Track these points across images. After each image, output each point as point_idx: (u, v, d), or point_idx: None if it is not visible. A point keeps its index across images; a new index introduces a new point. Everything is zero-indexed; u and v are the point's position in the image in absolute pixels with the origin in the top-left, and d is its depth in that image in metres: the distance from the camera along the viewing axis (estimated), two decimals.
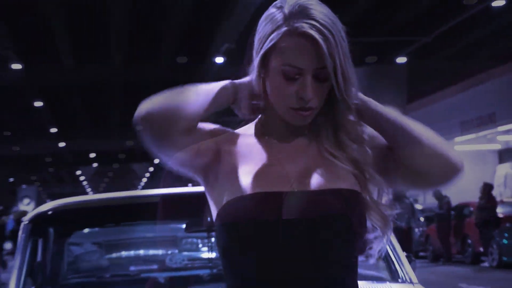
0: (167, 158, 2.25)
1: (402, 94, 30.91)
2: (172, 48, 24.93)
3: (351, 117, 2.21)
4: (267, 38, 2.10)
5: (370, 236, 2.24)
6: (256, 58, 2.17)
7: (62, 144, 49.56)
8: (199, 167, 2.27)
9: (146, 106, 2.11)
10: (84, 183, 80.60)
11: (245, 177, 2.17)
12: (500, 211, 21.16)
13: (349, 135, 2.21)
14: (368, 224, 2.20)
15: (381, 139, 2.27)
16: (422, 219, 24.60)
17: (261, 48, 2.13)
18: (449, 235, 22.38)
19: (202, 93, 2.19)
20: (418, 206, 26.16)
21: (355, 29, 22.52)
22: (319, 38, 2.01)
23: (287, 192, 2.12)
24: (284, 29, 2.06)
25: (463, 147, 36.20)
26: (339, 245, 2.16)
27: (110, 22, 23.50)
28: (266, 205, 2.10)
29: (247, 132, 2.32)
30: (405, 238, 21.28)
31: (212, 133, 2.28)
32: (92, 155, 54.95)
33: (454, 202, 24.89)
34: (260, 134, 2.29)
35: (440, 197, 23.72)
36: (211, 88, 2.19)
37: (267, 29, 2.12)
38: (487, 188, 21.06)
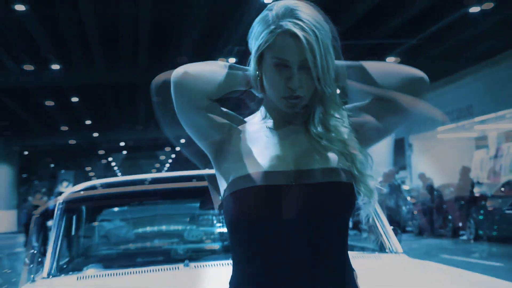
0: (188, 125, 2.28)
1: None
2: (189, 50, 25.04)
3: (336, 103, 2.25)
4: (260, 37, 2.16)
5: (359, 203, 2.25)
6: (252, 56, 2.22)
7: (95, 134, 49.59)
8: (212, 141, 2.29)
9: (183, 68, 2.18)
10: (115, 168, 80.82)
11: (249, 159, 2.20)
12: (476, 191, 21.25)
13: (336, 119, 2.24)
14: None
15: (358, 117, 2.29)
16: (408, 198, 24.53)
17: (255, 46, 2.19)
18: (432, 212, 22.44)
19: (229, 67, 2.26)
20: (405, 187, 26.17)
21: (352, 33, 22.64)
22: (300, 34, 2.07)
23: (282, 171, 2.16)
24: (272, 27, 2.12)
25: (444, 135, 36.20)
26: (339, 220, 2.21)
27: (135, 28, 23.48)
28: (268, 197, 2.13)
29: (252, 120, 2.35)
30: (394, 215, 21.60)
31: (227, 114, 2.32)
32: (122, 143, 54.96)
33: (437, 183, 24.91)
34: (262, 123, 2.32)
35: (424, 179, 23.84)
36: (236, 67, 2.28)
37: (259, 29, 2.18)
38: (465, 171, 21.15)
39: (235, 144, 2.27)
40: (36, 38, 25.18)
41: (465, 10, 23.17)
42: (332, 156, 2.21)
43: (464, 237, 20.79)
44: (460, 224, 21.21)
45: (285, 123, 2.28)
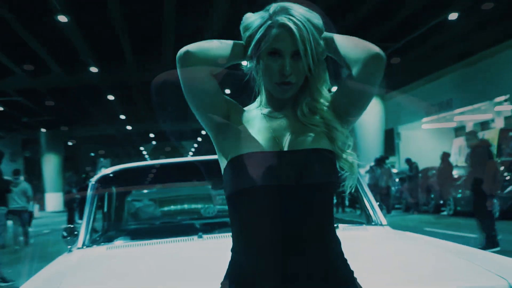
0: (195, 102, 2.25)
1: (380, 86, 30.82)
2: None
3: (322, 90, 2.26)
4: (257, 31, 2.17)
5: (343, 176, 2.25)
6: (251, 48, 2.21)
7: (129, 127, 49.83)
8: (214, 123, 2.27)
9: (185, 48, 2.15)
10: (146, 156, 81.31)
11: (245, 140, 2.20)
12: (455, 173, 21.18)
13: (321, 103, 2.25)
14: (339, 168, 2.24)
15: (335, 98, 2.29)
16: (397, 180, 24.55)
17: (254, 40, 2.19)
18: (417, 191, 22.48)
19: (224, 42, 2.26)
20: (394, 170, 26.13)
21: None
22: (293, 27, 2.09)
23: (277, 151, 2.15)
24: (269, 22, 2.13)
25: (428, 125, 36.31)
26: (322, 194, 2.19)
27: (161, 32, 23.57)
28: (261, 161, 2.13)
29: (250, 108, 2.34)
30: (384, 194, 21.71)
31: (228, 100, 2.32)
32: (152, 135, 55.05)
33: (421, 166, 24.90)
34: (257, 110, 2.31)
35: (410, 163, 23.88)
36: (229, 41, 2.27)
37: (257, 24, 2.18)
38: (446, 156, 21.15)
39: (234, 127, 2.25)
40: (76, 45, 25.27)
41: (445, 17, 23.12)
42: (317, 137, 2.20)
43: (445, 213, 20.81)
44: (441, 202, 21.23)
45: (277, 110, 2.27)
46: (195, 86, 2.22)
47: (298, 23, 2.11)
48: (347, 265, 2.25)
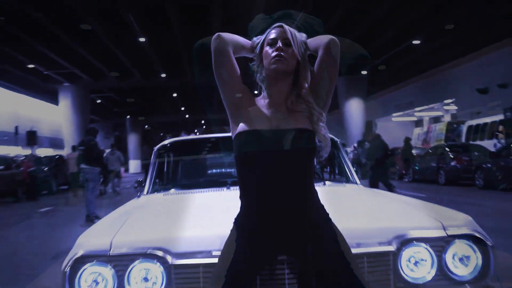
0: (221, 76, 2.23)
1: (364, 90, 30.81)
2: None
3: (306, 78, 2.23)
4: (265, 33, 2.24)
5: (320, 146, 2.21)
6: (259, 44, 2.25)
7: (187, 116, 50.01)
8: (233, 101, 2.26)
9: (218, 33, 2.19)
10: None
11: (250, 120, 2.18)
12: (414, 152, 21.10)
13: (305, 88, 2.22)
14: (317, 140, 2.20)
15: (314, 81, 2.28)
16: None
17: (262, 38, 2.24)
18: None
19: (241, 37, 2.28)
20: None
21: None
22: (284, 25, 2.19)
23: (270, 129, 2.14)
24: (272, 26, 2.23)
25: (397, 119, 36.39)
26: (305, 157, 2.17)
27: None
28: (259, 135, 2.13)
29: (257, 98, 2.31)
30: (363, 166, 21.49)
31: (243, 85, 2.29)
32: (203, 121, 55.20)
33: (390, 147, 24.69)
34: (260, 98, 2.29)
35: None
36: (244, 39, 2.29)
37: (262, 26, 2.28)
38: (407, 140, 21.09)
39: (245, 109, 2.22)
40: (151, 57, 25.34)
41: (410, 41, 23.01)
42: (300, 119, 2.18)
43: (406, 180, 20.67)
44: (404, 172, 21.08)
45: (274, 99, 2.23)
46: (222, 61, 2.20)
47: (287, 26, 2.19)
48: (324, 209, 2.23)
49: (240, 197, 2.21)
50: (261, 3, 16.34)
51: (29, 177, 17.67)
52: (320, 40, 2.21)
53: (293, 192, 2.13)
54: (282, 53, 2.13)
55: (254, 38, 2.28)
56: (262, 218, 2.14)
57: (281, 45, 2.14)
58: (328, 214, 2.21)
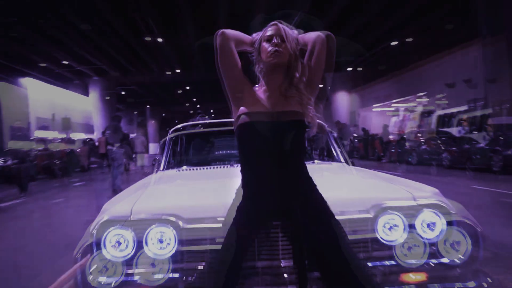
0: (224, 66, 2.20)
1: (348, 86, 30.75)
2: None
3: (297, 69, 2.19)
4: (262, 30, 2.22)
5: (308, 125, 2.20)
6: (257, 39, 2.22)
7: (198, 106, 49.69)
8: (235, 89, 2.23)
9: (221, 30, 2.15)
10: None
11: (248, 103, 2.18)
12: (391, 137, 21.09)
13: (296, 77, 2.19)
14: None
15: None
16: (356, 140, 24.34)
17: (261, 34, 2.21)
18: (367, 147, 22.30)
19: (242, 33, 2.25)
20: (355, 134, 25.88)
21: None
22: (278, 23, 2.17)
23: (265, 111, 2.14)
24: (269, 24, 2.20)
25: (376, 109, 36.31)
26: (296, 135, 2.15)
27: None
28: (257, 116, 2.14)
29: (255, 86, 2.29)
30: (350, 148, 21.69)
31: (244, 77, 2.25)
32: (211, 110, 55.11)
33: (371, 133, 24.70)
34: (259, 86, 2.27)
35: (365, 130, 23.65)
36: (245, 34, 2.26)
37: (261, 25, 2.24)
38: (385, 127, 21.20)
39: (244, 95, 2.21)
40: (168, 55, 25.24)
41: (388, 43, 22.91)
42: (292, 103, 2.17)
43: (384, 160, 20.63)
44: (382, 154, 21.08)
45: (269, 86, 2.22)
46: (225, 55, 2.17)
47: (281, 24, 2.16)
48: (312, 180, 2.23)
49: (241, 170, 2.21)
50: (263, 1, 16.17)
51: (65, 156, 17.73)
52: (309, 36, 2.20)
53: (285, 162, 2.12)
54: (277, 48, 2.11)
55: (254, 34, 2.25)
56: (259, 187, 2.14)
57: (276, 41, 2.12)
58: (315, 185, 2.21)
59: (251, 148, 2.16)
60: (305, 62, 2.22)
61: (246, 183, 2.19)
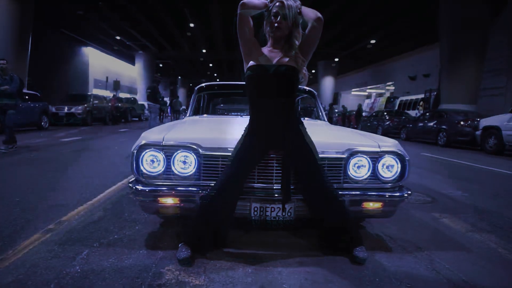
0: (241, 31, 2.13)
1: (334, 73, 30.29)
2: None
3: (297, 36, 2.14)
4: (271, 4, 2.11)
5: (300, 80, 2.17)
6: (268, 8, 2.13)
7: (218, 80, 48.94)
8: (247, 47, 2.17)
9: (242, 2, 2.08)
10: None
11: (256, 59, 2.15)
12: (363, 114, 20.89)
13: (295, 43, 2.14)
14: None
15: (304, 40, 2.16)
16: (337, 115, 24.17)
17: (270, 6, 2.12)
18: (345, 121, 22.12)
19: (257, 1, 2.11)
20: (336, 110, 25.71)
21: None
22: (284, 1, 2.07)
23: (270, 64, 2.12)
24: (274, 1, 2.10)
25: (354, 92, 35.81)
26: (290, 82, 2.13)
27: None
28: (262, 67, 2.11)
29: (263, 47, 2.23)
30: (330, 120, 21.42)
31: (254, 39, 2.18)
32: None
33: (348, 109, 24.50)
34: (266, 47, 2.23)
35: (344, 108, 23.40)
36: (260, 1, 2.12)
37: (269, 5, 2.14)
38: (360, 107, 20.81)
39: (254, 53, 2.18)
40: (197, 37, 24.66)
41: (367, 42, 22.39)
42: (290, 60, 2.13)
43: None
44: (356, 126, 20.98)
45: (273, 46, 2.18)
46: (242, 20, 2.12)
47: (286, 1, 2.06)
48: (300, 120, 2.23)
49: (249, 111, 2.20)
50: None
51: (115, 110, 17.69)
52: (313, 13, 2.11)
53: (281, 102, 2.11)
54: (279, 25, 2.08)
55: (267, 1, 2.16)
56: (259, 125, 2.13)
57: (279, 18, 2.07)
58: (303, 123, 2.21)
59: (257, 92, 2.14)
60: (306, 33, 2.16)
61: (252, 120, 2.19)
